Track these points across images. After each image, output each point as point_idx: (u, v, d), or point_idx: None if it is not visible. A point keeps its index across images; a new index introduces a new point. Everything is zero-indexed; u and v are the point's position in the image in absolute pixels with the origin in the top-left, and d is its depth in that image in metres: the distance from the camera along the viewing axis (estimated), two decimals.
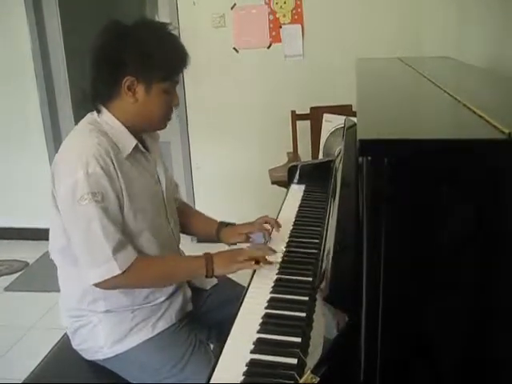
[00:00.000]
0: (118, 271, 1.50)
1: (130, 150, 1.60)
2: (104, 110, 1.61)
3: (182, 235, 1.88)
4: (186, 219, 1.97)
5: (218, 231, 1.92)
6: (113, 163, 1.52)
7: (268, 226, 1.90)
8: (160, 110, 1.63)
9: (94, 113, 1.64)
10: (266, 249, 1.68)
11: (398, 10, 3.57)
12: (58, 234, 1.60)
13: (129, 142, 1.61)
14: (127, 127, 1.61)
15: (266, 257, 1.63)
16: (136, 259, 1.54)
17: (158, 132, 1.81)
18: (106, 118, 1.61)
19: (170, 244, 1.76)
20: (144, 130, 1.70)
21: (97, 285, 1.53)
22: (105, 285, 1.53)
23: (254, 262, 1.59)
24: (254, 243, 1.86)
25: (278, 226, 1.88)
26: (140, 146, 1.64)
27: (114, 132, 1.59)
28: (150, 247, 1.63)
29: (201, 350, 1.64)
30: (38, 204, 3.82)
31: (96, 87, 1.62)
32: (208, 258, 1.60)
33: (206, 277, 1.61)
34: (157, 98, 1.59)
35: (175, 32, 1.63)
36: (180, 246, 1.86)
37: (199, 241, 4.15)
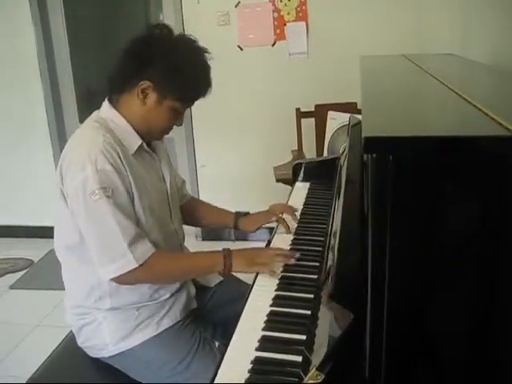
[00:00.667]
0: (135, 264, 1.49)
1: (136, 148, 1.61)
2: (112, 108, 1.62)
3: (185, 233, 1.88)
4: (200, 212, 2.01)
5: (235, 221, 1.96)
6: (120, 159, 1.52)
7: (287, 217, 1.94)
8: (162, 124, 1.64)
9: (101, 110, 1.64)
10: (287, 256, 1.61)
11: (402, 7, 3.56)
12: (65, 231, 1.60)
13: (134, 140, 1.61)
14: (133, 126, 1.61)
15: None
16: (153, 253, 1.53)
17: None
18: (112, 117, 1.61)
19: (174, 242, 1.76)
20: (142, 134, 1.69)
21: (114, 280, 1.52)
22: (122, 279, 1.52)
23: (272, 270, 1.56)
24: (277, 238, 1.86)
25: (294, 211, 1.96)
26: (145, 145, 1.65)
27: (119, 130, 1.59)
28: (156, 245, 1.63)
29: (206, 347, 1.64)
30: (42, 202, 3.84)
31: (117, 77, 1.62)
32: (226, 254, 1.58)
33: (223, 273, 1.60)
34: (164, 113, 1.60)
35: (208, 57, 1.62)
36: (185, 244, 1.87)
37: (204, 239, 4.18)
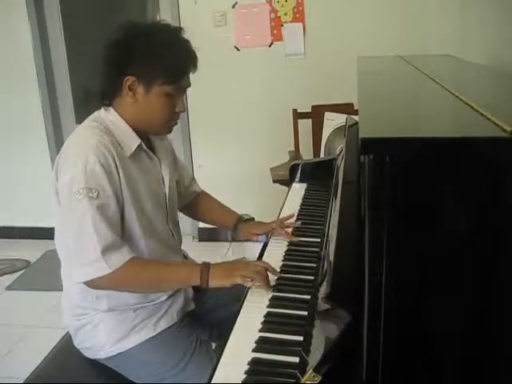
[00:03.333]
0: (108, 270, 1.46)
1: (133, 150, 1.60)
2: (111, 107, 1.62)
3: (182, 234, 1.88)
4: (206, 209, 2.01)
5: (235, 224, 1.95)
6: (114, 162, 1.51)
7: (289, 230, 1.88)
8: (160, 114, 1.61)
9: (101, 110, 1.64)
10: (263, 277, 1.50)
11: (399, 8, 3.56)
12: (61, 231, 1.60)
13: (132, 141, 1.60)
14: (132, 126, 1.61)
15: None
16: (129, 261, 1.49)
17: None
18: (112, 117, 1.61)
19: (170, 246, 1.75)
20: (147, 132, 1.69)
21: (86, 283, 1.50)
22: (94, 284, 1.50)
23: (250, 280, 1.50)
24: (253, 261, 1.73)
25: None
26: (143, 145, 1.64)
27: (117, 131, 1.59)
28: (150, 249, 1.62)
29: (202, 348, 1.64)
30: (39, 203, 3.82)
31: (102, 83, 1.62)
32: (204, 268, 1.52)
33: (201, 287, 1.54)
34: (156, 101, 1.57)
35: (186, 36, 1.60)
36: (182, 247, 1.86)
37: (201, 240, 4.18)
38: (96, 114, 1.65)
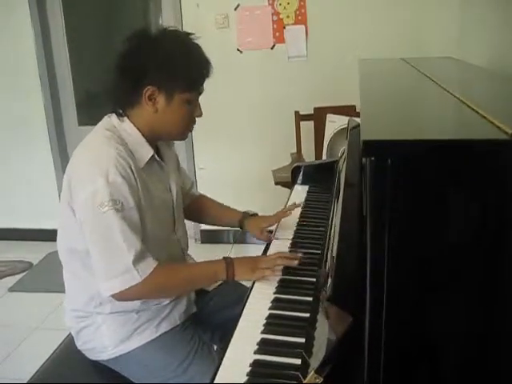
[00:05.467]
0: (137, 280, 1.47)
1: (147, 160, 1.59)
2: (125, 117, 1.60)
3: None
4: (208, 210, 2.01)
5: (241, 221, 1.95)
6: (133, 172, 1.50)
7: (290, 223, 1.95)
8: (181, 121, 1.61)
9: (112, 116, 1.62)
10: (289, 257, 1.61)
11: (401, 11, 3.56)
12: (70, 236, 1.58)
13: (146, 151, 1.59)
14: (145, 136, 1.59)
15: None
16: (155, 268, 1.50)
17: None
18: (126, 126, 1.59)
19: (176, 251, 1.76)
20: (162, 139, 1.69)
21: (115, 296, 1.50)
22: (123, 295, 1.50)
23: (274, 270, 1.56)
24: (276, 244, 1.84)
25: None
26: (156, 155, 1.63)
27: (131, 140, 1.57)
28: (158, 255, 1.62)
29: (204, 350, 1.64)
30: (41, 205, 3.84)
31: (118, 94, 1.60)
32: (228, 262, 1.57)
33: (227, 281, 1.59)
34: (178, 109, 1.58)
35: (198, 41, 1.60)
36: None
37: (203, 242, 4.18)
38: (108, 120, 1.62)
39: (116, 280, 1.47)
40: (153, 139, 1.63)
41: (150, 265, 1.50)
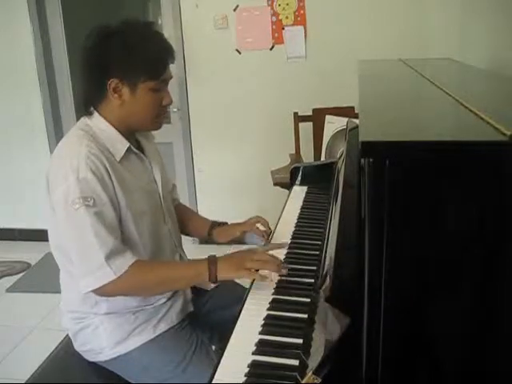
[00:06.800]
0: (112, 277, 1.46)
1: (123, 154, 1.59)
2: (95, 113, 1.61)
3: (183, 237, 1.88)
4: (183, 220, 1.96)
5: (210, 231, 1.92)
6: (106, 169, 1.50)
7: (261, 227, 1.88)
8: (148, 110, 1.60)
9: (87, 117, 1.63)
10: (274, 263, 1.53)
11: (400, 11, 3.57)
12: (55, 232, 1.61)
13: (121, 145, 1.60)
14: (119, 129, 1.60)
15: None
16: (133, 264, 1.49)
17: (157, 132, 1.76)
18: (97, 122, 1.60)
19: (168, 246, 1.75)
20: (137, 130, 1.69)
21: (94, 292, 1.50)
22: (101, 291, 1.50)
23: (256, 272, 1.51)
24: (260, 246, 1.81)
25: (268, 228, 1.88)
26: (133, 147, 1.64)
27: (105, 136, 1.58)
28: (148, 250, 1.62)
29: (202, 350, 1.64)
30: (39, 205, 3.81)
31: (85, 90, 1.63)
32: (211, 261, 1.52)
33: (210, 281, 1.54)
34: (143, 98, 1.57)
35: (159, 30, 1.62)
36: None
37: (201, 242, 4.17)
38: (83, 120, 1.64)
39: (91, 277, 1.47)
40: (127, 131, 1.63)
41: (126, 261, 1.49)
